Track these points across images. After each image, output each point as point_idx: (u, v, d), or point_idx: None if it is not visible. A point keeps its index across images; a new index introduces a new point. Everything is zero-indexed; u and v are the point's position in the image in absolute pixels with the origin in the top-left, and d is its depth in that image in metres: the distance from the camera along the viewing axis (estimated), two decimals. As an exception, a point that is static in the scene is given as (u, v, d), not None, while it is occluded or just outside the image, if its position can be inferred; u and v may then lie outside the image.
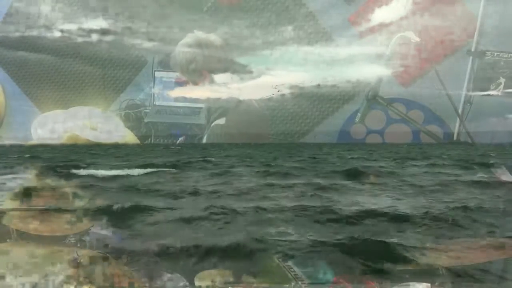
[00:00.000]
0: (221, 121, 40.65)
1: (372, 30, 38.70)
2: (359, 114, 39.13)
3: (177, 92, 41.02)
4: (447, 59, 37.99)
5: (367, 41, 38.89)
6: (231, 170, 14.43)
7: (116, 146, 38.16)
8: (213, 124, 40.79)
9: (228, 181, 11.56)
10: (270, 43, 39.97)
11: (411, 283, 4.27)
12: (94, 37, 41.97)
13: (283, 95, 39.64)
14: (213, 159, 19.79)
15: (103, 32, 41.71)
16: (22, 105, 42.86)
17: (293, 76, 39.63)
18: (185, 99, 41.35)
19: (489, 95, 37.49)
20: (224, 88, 40.18)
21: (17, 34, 42.70)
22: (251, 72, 39.91)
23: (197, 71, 40.43)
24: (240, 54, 40.21)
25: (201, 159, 19.93)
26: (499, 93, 37.58)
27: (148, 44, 41.40)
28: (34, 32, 42.45)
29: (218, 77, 40.40)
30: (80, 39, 42.20)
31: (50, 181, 12.01)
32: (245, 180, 11.52)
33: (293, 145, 36.74)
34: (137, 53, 41.76)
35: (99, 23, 41.71)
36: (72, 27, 42.17)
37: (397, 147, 33.26)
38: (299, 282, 4.25)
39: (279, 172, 13.41)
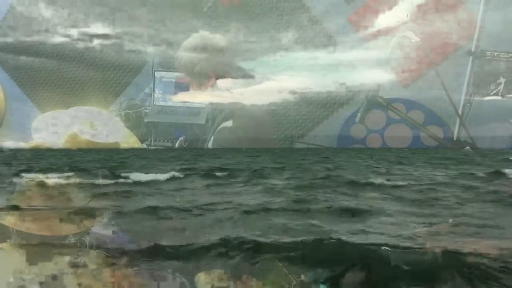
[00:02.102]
0: (228, 123, 40.29)
1: (372, 31, 38.70)
2: (359, 114, 39.11)
3: (180, 97, 40.87)
4: (447, 59, 37.98)
5: (367, 41, 38.89)
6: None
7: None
8: (220, 126, 40.39)
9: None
10: (271, 48, 39.88)
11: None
12: (94, 38, 42.06)
13: (285, 99, 39.59)
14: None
15: (103, 33, 41.80)
16: (22, 105, 42.86)
17: (294, 81, 39.61)
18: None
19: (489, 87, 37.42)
20: (227, 93, 40.01)
21: (18, 36, 42.76)
22: (253, 77, 39.80)
23: (203, 73, 40.21)
24: (242, 59, 40.09)
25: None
26: (499, 95, 37.55)
27: (148, 46, 41.48)
28: (35, 35, 42.50)
29: (221, 82, 40.20)
30: (80, 42, 42.30)
31: None
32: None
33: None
34: (137, 53, 41.81)
35: (99, 25, 41.79)
36: (73, 31, 42.28)
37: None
38: (297, 281, 4.25)
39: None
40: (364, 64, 38.74)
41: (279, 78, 39.62)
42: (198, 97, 40.42)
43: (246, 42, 39.79)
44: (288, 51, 39.73)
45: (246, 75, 39.74)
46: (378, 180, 12.72)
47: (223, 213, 8.02)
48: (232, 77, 39.91)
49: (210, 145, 40.52)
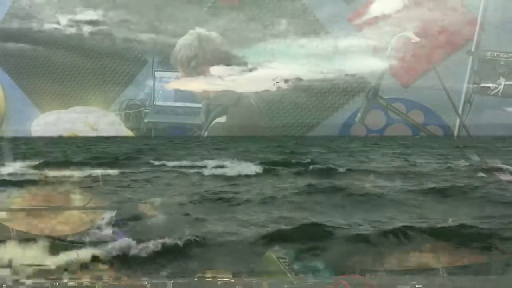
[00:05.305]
0: (222, 119, 40.49)
1: (371, 27, 38.67)
2: (359, 114, 39.11)
3: (173, 85, 40.72)
4: (447, 59, 37.99)
5: (366, 40, 38.88)
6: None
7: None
8: (214, 122, 40.56)
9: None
10: (268, 36, 39.59)
11: (411, 283, 4.28)
12: (95, 37, 42.02)
13: (279, 88, 39.14)
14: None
15: (103, 32, 41.78)
16: (21, 105, 42.84)
17: (290, 69, 39.23)
18: (185, 99, 41.25)
19: (489, 88, 37.39)
20: (220, 80, 39.72)
21: (17, 33, 42.69)
22: (246, 64, 39.43)
23: (198, 68, 40.35)
24: (237, 47, 39.78)
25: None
26: (499, 96, 37.57)
27: (148, 43, 41.44)
28: (34, 32, 42.45)
29: (214, 70, 39.95)
30: (80, 39, 42.19)
31: None
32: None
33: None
34: (137, 53, 41.78)
35: (97, 21, 41.78)
36: (72, 24, 42.19)
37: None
38: (298, 280, 4.26)
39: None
40: (361, 57, 38.52)
41: (273, 66, 39.16)
42: (190, 85, 40.27)
43: (239, 30, 39.61)
44: (283, 39, 39.29)
45: (239, 63, 39.52)
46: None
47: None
48: (225, 65, 39.67)
49: (204, 135, 40.79)
